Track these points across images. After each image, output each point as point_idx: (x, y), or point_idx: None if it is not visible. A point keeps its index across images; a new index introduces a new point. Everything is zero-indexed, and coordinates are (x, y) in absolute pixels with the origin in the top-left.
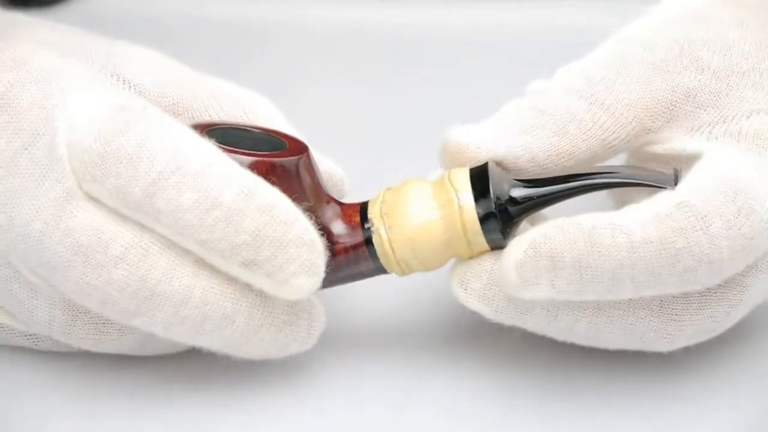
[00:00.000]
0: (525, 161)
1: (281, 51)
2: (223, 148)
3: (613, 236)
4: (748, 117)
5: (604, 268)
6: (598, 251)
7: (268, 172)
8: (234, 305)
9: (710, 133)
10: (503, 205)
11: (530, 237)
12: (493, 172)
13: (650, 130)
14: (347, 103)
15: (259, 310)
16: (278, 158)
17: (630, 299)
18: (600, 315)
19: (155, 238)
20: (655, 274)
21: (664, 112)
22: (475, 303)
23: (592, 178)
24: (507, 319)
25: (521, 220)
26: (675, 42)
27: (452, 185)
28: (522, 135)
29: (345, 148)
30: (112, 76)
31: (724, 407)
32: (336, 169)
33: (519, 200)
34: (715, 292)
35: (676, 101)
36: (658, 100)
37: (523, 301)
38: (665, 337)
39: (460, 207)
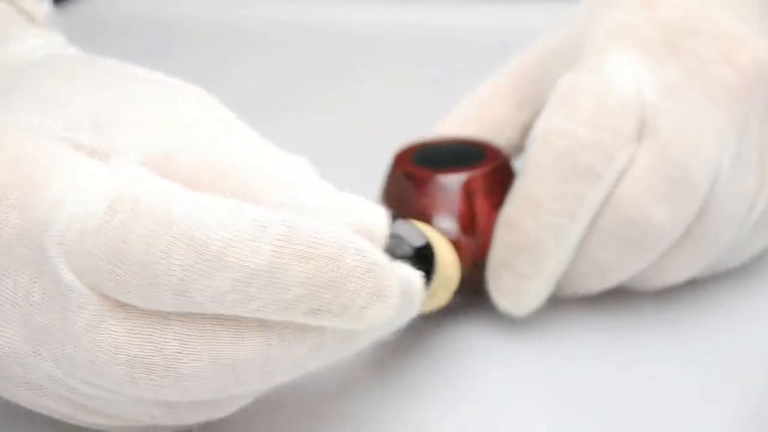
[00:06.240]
0: None
1: (284, 53)
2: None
3: None
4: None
5: None
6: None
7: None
8: (316, 334)
9: None
10: None
11: None
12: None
13: None
14: (350, 104)
15: None
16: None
17: None
18: None
19: (206, 315)
20: None
21: None
22: None
23: None
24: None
25: None
26: (585, 18)
27: None
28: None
29: (346, 150)
30: (94, 152)
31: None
32: None
33: None
34: None
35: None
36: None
37: None
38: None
39: None
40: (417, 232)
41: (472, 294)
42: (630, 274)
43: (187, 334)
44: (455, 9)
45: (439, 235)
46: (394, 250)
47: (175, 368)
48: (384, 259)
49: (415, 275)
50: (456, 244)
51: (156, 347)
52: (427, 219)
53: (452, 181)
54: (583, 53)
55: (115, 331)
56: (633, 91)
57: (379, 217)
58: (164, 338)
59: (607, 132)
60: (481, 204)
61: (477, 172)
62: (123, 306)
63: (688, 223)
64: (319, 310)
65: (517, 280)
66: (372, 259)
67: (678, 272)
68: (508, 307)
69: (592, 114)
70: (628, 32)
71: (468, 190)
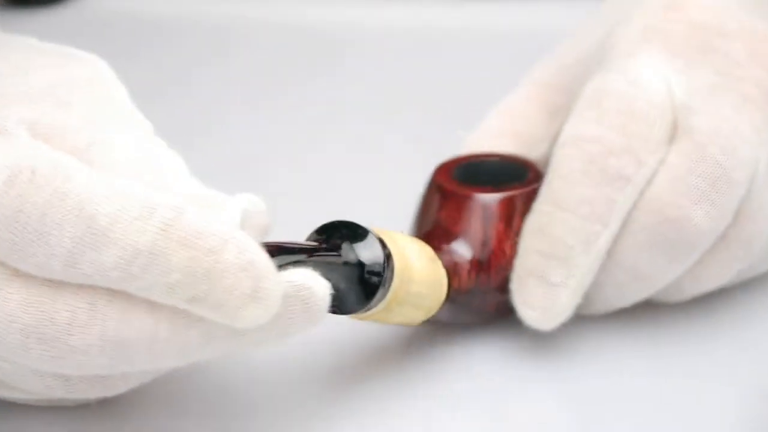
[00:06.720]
0: None
1: (279, 53)
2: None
3: None
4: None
5: None
6: None
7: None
8: (206, 323)
9: None
10: None
11: None
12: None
13: None
14: (344, 104)
15: None
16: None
17: None
18: None
19: (96, 289)
20: None
21: None
22: None
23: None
24: None
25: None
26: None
27: None
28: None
29: (342, 149)
30: None
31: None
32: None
33: None
34: None
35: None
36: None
37: None
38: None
39: None
40: (376, 247)
41: (492, 318)
42: (666, 282)
43: (78, 307)
44: (455, 9)
45: (423, 251)
46: (345, 259)
47: (64, 340)
48: (264, 260)
49: (319, 284)
50: (456, 266)
51: (48, 317)
52: (441, 232)
53: (474, 201)
54: (610, 56)
55: (11, 299)
56: (662, 93)
57: (231, 215)
58: (55, 308)
59: (635, 136)
60: (498, 228)
61: (501, 196)
62: (20, 275)
63: (726, 225)
64: (197, 300)
65: (546, 290)
66: (250, 258)
67: (711, 279)
68: (536, 320)
69: (620, 118)
70: (656, 35)
71: (487, 213)
